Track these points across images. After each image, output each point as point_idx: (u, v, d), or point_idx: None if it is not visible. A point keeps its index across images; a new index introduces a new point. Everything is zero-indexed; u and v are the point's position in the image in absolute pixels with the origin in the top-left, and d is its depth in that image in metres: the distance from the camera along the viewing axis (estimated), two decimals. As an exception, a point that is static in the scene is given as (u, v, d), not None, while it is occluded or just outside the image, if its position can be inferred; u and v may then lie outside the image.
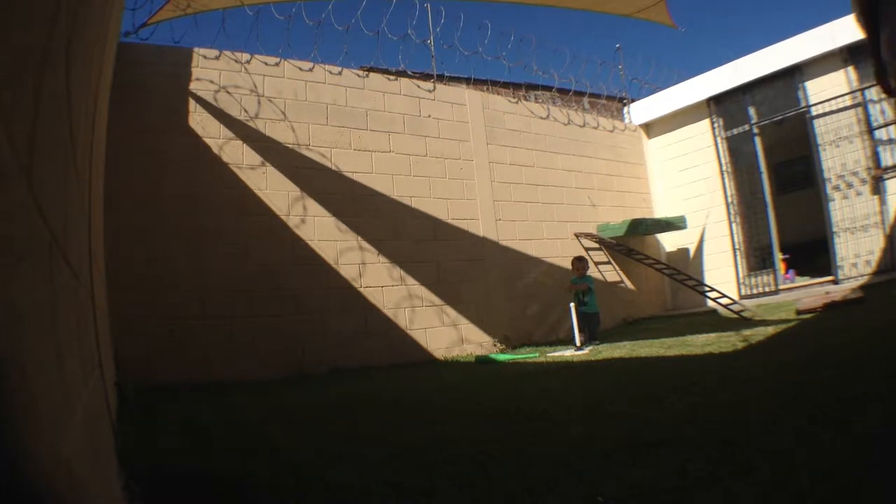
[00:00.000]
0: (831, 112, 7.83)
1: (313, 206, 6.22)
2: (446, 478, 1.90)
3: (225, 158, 5.83)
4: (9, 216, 0.64)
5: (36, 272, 0.81)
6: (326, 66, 6.68)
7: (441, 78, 8.27)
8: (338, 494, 1.84)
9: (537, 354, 6.17)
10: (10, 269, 0.64)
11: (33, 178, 0.77)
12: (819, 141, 7.93)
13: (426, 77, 7.73)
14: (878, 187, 7.48)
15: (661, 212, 9.67)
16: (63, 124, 1.16)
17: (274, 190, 6.03)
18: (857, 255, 7.64)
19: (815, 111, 7.96)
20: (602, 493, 1.60)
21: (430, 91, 7.43)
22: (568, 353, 5.94)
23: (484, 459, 2.08)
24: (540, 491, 1.69)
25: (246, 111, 6.04)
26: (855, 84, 7.66)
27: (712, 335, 5.63)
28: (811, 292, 7.65)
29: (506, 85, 9.23)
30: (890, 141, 7.43)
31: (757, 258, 8.76)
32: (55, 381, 0.88)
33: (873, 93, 7.52)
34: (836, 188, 7.81)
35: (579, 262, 7.15)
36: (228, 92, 5.97)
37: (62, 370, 0.96)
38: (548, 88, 10.30)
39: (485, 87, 8.72)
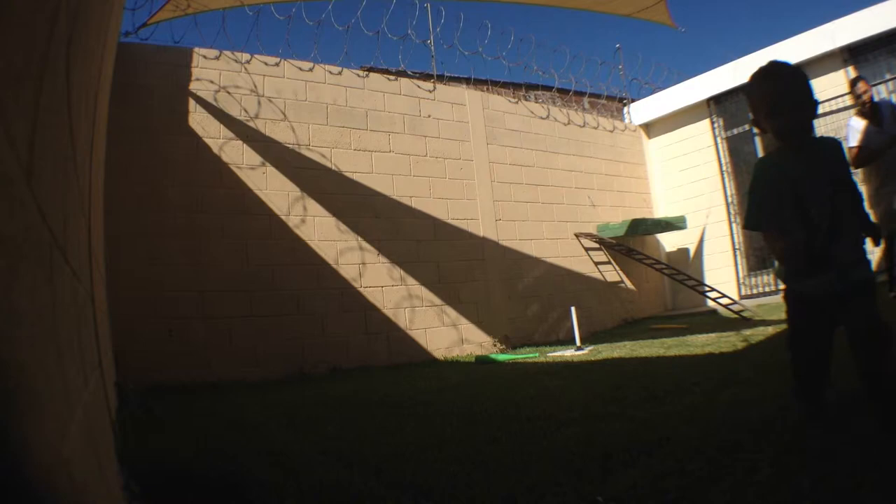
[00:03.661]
0: (831, 112, 7.82)
1: (313, 207, 6.22)
2: (446, 478, 1.90)
3: (225, 158, 5.83)
4: (9, 216, 0.64)
5: (36, 272, 0.81)
6: (326, 66, 6.68)
7: (441, 78, 8.27)
8: (338, 494, 1.84)
9: (537, 354, 6.17)
10: (10, 269, 0.64)
11: (33, 177, 0.77)
12: (819, 141, 7.92)
13: (426, 77, 7.73)
14: (878, 187, 7.47)
15: (661, 212, 9.67)
16: (63, 124, 1.16)
17: (274, 190, 6.03)
18: (857, 255, 7.63)
19: (815, 111, 7.95)
20: (602, 493, 1.60)
21: (430, 91, 7.43)
22: (568, 353, 5.94)
23: (484, 459, 2.08)
24: (540, 491, 1.69)
25: (246, 111, 6.04)
26: (855, 84, 7.65)
27: (712, 335, 5.63)
28: (811, 292, 7.63)
29: (506, 85, 9.23)
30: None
31: (757, 258, 8.76)
32: (55, 382, 0.88)
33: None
34: (836, 188, 7.80)
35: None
36: (228, 92, 5.97)
37: (62, 370, 0.96)
38: (548, 88, 10.31)
39: (485, 87, 8.72)
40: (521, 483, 1.77)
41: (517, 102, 8.41)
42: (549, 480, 1.77)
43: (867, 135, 4.46)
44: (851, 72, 7.71)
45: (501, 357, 6.19)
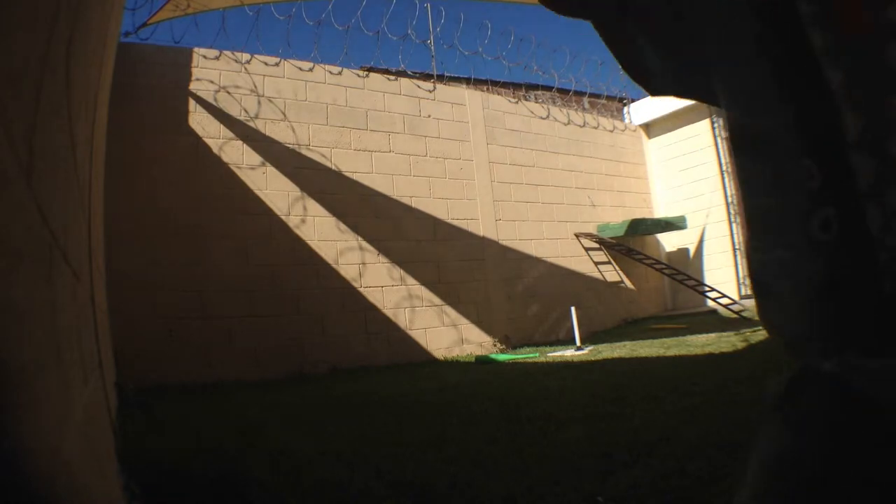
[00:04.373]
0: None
1: (313, 206, 6.22)
2: (446, 477, 1.90)
3: (225, 158, 5.83)
4: (9, 216, 0.64)
5: (36, 272, 0.81)
6: (326, 66, 6.67)
7: (441, 78, 8.27)
8: (338, 494, 1.84)
9: (537, 354, 6.17)
10: (10, 269, 0.64)
11: (33, 177, 0.77)
12: (819, 141, 7.92)
13: (426, 77, 7.73)
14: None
15: (661, 212, 9.67)
16: (63, 124, 1.16)
17: (274, 190, 6.03)
18: (857, 255, 7.63)
19: (815, 111, 7.96)
20: (602, 493, 1.60)
21: (430, 91, 7.43)
22: (568, 353, 5.94)
23: (484, 459, 2.08)
24: (540, 491, 1.68)
25: (246, 111, 6.04)
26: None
27: (712, 335, 5.63)
28: (811, 292, 7.63)
29: (506, 85, 9.22)
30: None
31: (757, 258, 8.76)
32: (55, 382, 0.88)
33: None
34: (836, 188, 7.81)
35: None
36: (228, 92, 5.97)
37: (62, 370, 0.96)
38: (548, 88, 10.30)
39: (485, 87, 8.72)
40: (521, 483, 1.77)
41: (517, 102, 8.41)
42: (549, 480, 1.77)
43: None
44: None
45: (501, 357, 6.19)
